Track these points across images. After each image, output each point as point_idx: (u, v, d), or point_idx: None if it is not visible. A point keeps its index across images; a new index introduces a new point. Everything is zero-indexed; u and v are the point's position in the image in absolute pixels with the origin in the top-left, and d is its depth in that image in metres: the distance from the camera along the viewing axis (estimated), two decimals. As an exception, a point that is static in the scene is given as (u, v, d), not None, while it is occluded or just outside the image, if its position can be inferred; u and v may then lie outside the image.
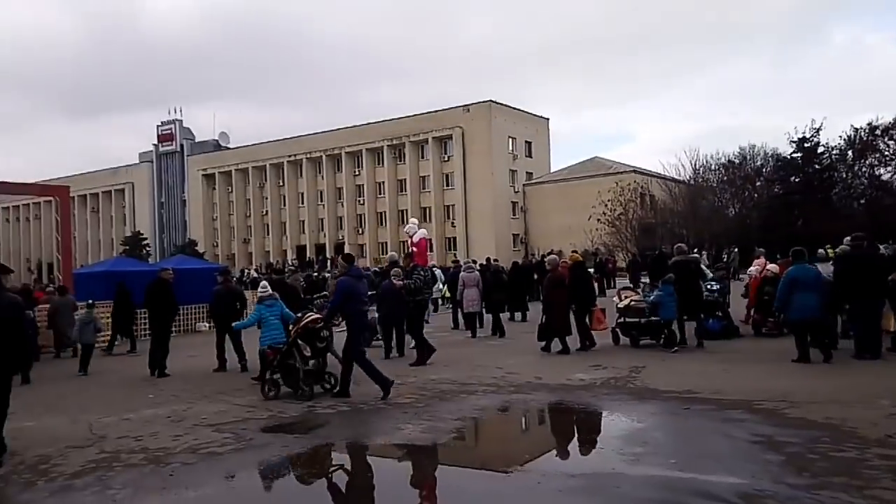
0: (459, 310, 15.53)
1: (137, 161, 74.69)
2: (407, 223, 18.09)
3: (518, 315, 17.30)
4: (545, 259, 16.44)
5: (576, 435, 6.81)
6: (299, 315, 8.95)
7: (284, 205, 64.69)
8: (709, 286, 12.81)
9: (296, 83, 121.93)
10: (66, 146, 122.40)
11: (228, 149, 69.75)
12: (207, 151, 70.11)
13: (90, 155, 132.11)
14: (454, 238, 55.75)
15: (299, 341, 8.44)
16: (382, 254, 52.34)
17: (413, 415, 7.17)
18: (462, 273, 15.12)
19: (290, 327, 8.91)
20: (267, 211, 65.76)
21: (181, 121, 71.62)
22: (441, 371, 9.90)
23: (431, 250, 55.95)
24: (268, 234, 65.66)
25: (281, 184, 64.89)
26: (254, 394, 8.69)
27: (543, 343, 11.40)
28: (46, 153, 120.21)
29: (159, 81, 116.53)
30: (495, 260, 20.07)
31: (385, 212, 58.47)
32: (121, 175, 74.20)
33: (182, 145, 71.07)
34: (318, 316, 8.76)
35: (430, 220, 56.23)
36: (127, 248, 62.09)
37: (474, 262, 19.31)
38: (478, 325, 14.59)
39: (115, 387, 10.29)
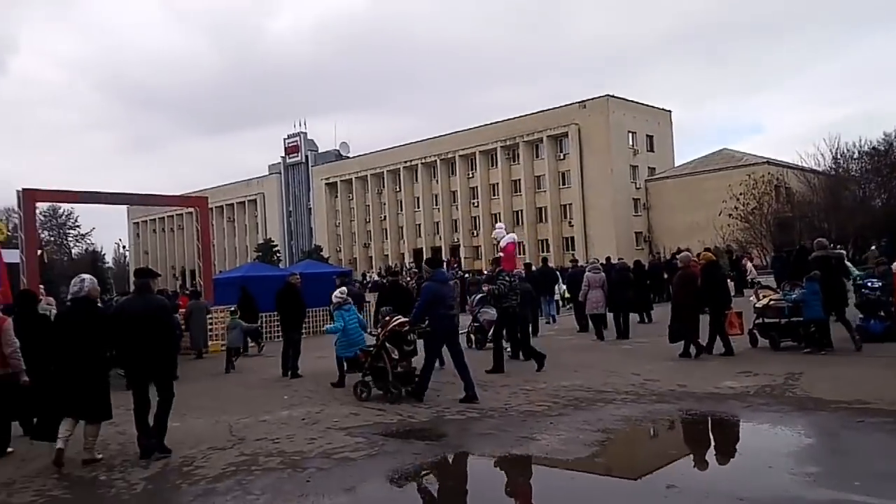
0: (580, 311, 14.97)
1: (267, 173, 79.02)
2: (495, 228, 17.48)
3: (644, 317, 16.45)
4: (676, 257, 15.52)
5: (737, 452, 6.09)
6: (386, 318, 8.96)
7: (401, 210, 66.08)
8: (869, 283, 11.52)
9: (410, 89, 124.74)
10: (204, 161, 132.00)
11: (349, 157, 72.25)
12: (329, 161, 73.00)
13: (226, 169, 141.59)
14: (571, 238, 54.55)
15: (387, 344, 8.54)
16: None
17: (548, 424, 6.77)
18: (587, 273, 14.47)
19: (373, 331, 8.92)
20: (385, 216, 67.44)
21: (305, 133, 75.06)
22: (572, 377, 9.42)
23: (522, 254, 55.16)
24: (386, 239, 67.30)
25: (398, 189, 66.35)
26: (382, 397, 8.62)
27: (681, 348, 10.62)
28: (187, 168, 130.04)
29: (285, 96, 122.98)
30: (620, 259, 19.23)
31: (499, 213, 58.12)
32: (253, 186, 78.77)
33: (307, 156, 74.41)
34: (404, 319, 8.69)
35: (546, 220, 55.40)
36: (260, 254, 65.66)
37: (597, 261, 18.60)
38: (603, 328, 13.96)
39: (251, 388, 10.63)
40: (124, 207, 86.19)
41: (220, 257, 76.95)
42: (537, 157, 56.76)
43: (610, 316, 14.16)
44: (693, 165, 53.72)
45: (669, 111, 58.82)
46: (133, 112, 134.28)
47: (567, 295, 18.66)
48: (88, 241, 72.77)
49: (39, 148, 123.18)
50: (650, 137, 56.03)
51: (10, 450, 6.82)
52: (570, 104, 54.15)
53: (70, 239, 70.82)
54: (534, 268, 18.61)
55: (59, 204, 66.63)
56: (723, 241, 35.33)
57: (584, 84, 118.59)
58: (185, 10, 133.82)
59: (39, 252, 18.27)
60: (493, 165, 59.24)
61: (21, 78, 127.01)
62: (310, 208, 75.00)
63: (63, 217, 68.61)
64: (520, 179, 57.14)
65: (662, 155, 56.79)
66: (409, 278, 23.73)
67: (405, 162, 64.62)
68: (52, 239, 66.26)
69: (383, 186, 67.49)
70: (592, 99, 53.22)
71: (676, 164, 56.79)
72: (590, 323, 14.50)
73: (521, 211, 56.93)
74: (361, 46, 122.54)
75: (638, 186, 54.36)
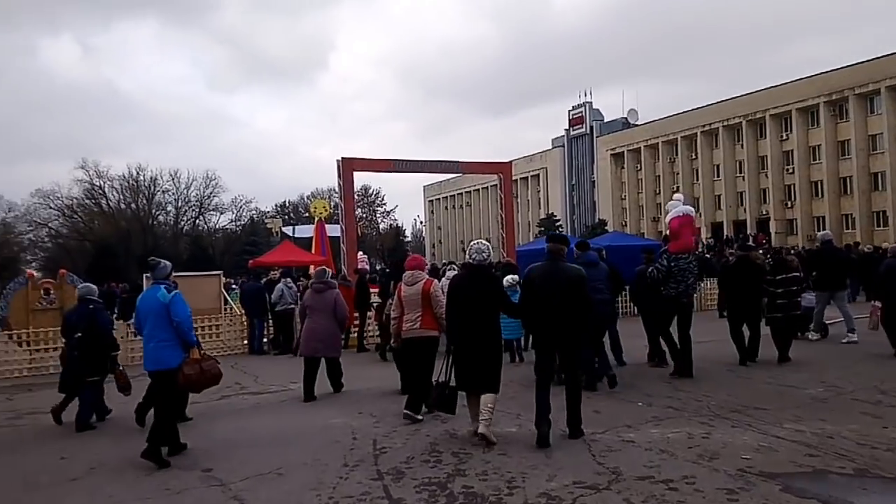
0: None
1: (550, 147, 78.35)
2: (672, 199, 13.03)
3: None
4: None
5: None
6: None
7: (697, 179, 60.22)
8: None
9: (698, 51, 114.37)
10: (490, 142, 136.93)
11: (636, 126, 68.09)
12: (615, 131, 69.59)
13: (511, 148, 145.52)
14: (922, 208, 44.20)
15: None
16: (817, 230, 44.29)
17: None
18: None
19: None
20: (678, 187, 62.01)
21: (591, 103, 72.51)
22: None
23: (850, 228, 45.36)
24: (679, 212, 62.02)
25: (693, 157, 60.56)
26: (804, 420, 6.15)
27: None
28: (475, 149, 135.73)
29: (569, 70, 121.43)
30: None
31: (822, 180, 49.57)
32: (535, 161, 78.76)
33: (591, 127, 71.86)
34: None
35: (885, 188, 45.69)
36: (542, 229, 65.28)
37: None
38: None
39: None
40: (421, 187, 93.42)
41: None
42: (872, 112, 46.87)
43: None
44: None
45: None
46: (427, 99, 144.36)
47: None
48: (392, 218, 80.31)
49: (351, 136, 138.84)
50: None
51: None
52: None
53: (378, 215, 78.41)
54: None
55: (369, 185, 74.92)
56: None
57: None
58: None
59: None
60: (813, 125, 50.52)
61: (339, 74, 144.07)
62: (593, 181, 72.55)
63: (372, 196, 76.37)
64: (849, 140, 47.87)
65: None
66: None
67: (703, 126, 58.52)
68: (364, 216, 73.74)
69: (676, 154, 62.15)
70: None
71: None
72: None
73: (851, 178, 47.78)
74: (644, 10, 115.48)
75: None
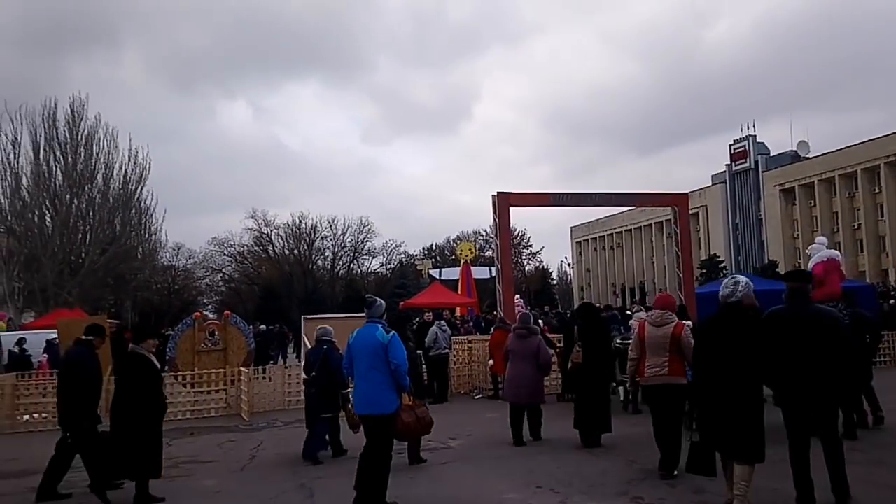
0: None
1: (710, 184, 73.81)
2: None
3: None
4: None
5: None
6: None
7: (882, 215, 53.75)
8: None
9: (873, 80, 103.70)
10: (639, 182, 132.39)
11: (808, 158, 62.34)
12: (784, 164, 64.14)
13: (665, 186, 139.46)
14: None
15: None
16: None
17: None
18: None
19: None
20: (860, 224, 55.81)
21: (754, 136, 67.61)
22: None
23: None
24: (861, 252, 55.59)
25: (876, 190, 54.23)
26: None
27: None
28: (623, 188, 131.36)
29: (724, 107, 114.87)
30: None
31: None
32: (694, 199, 74.03)
33: (756, 161, 66.84)
34: None
35: None
36: (704, 271, 60.95)
37: None
38: None
39: None
40: (568, 228, 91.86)
41: (660, 273, 74.69)
42: None
43: None
44: None
45: None
46: (572, 142, 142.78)
47: None
48: (538, 260, 79.02)
49: (495, 182, 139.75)
50: None
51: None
52: None
53: (524, 257, 77.50)
54: None
55: (515, 226, 74.39)
56: None
57: None
58: (616, 37, 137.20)
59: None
60: None
61: (483, 121, 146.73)
62: (760, 219, 67.02)
63: (518, 237, 75.59)
64: None
65: None
66: None
67: (888, 157, 52.28)
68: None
69: (856, 188, 55.98)
70: None
71: None
72: None
73: None
74: (806, 39, 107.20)
75: None
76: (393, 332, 5.88)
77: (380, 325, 5.90)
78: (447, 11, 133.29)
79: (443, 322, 14.83)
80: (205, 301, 70.89)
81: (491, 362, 12.64)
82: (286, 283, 66.78)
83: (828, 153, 59.40)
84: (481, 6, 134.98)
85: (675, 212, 15.89)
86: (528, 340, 8.88)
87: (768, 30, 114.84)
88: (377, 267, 76.70)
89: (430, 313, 15.48)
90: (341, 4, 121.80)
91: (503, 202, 14.34)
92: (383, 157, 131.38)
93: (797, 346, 5.06)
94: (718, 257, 64.46)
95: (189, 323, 14.61)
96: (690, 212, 72.54)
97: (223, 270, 71.44)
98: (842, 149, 57.59)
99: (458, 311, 26.12)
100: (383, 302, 6.17)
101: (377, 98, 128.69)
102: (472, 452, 8.35)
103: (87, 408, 6.72)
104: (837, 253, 9.54)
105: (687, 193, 19.09)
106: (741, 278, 5.34)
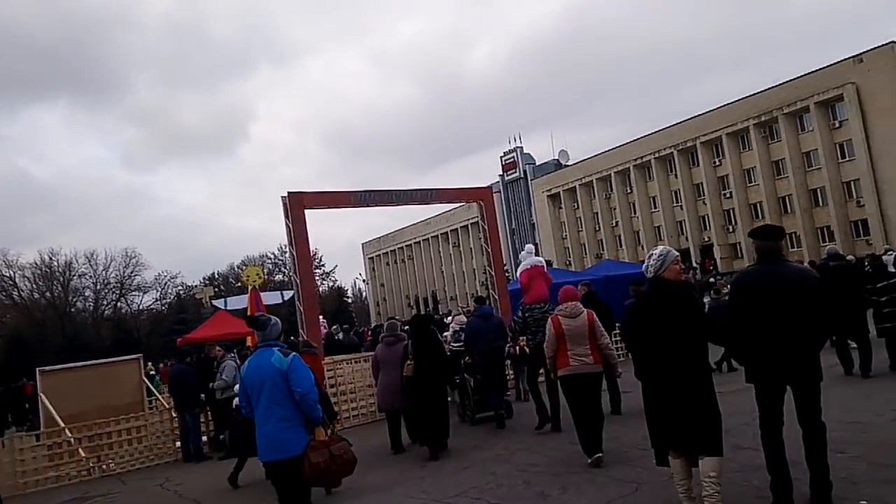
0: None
1: (485, 193, 77.54)
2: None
3: None
4: None
5: None
6: None
7: (635, 212, 60.23)
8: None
9: (623, 94, 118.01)
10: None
11: (568, 166, 68.14)
12: (549, 172, 69.45)
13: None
14: (864, 221, 44.75)
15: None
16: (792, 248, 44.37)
17: None
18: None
19: None
20: (617, 221, 62.02)
21: (521, 147, 72.48)
22: None
23: (795, 247, 45.29)
24: (621, 246, 61.72)
25: (629, 190, 60.69)
26: None
27: None
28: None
29: (494, 120, 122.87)
30: None
31: (761, 202, 49.93)
32: (474, 209, 77.28)
33: (525, 170, 71.67)
34: None
35: (826, 203, 46.25)
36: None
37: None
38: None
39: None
40: (359, 244, 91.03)
41: (450, 282, 76.87)
42: (803, 130, 47.79)
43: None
44: None
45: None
46: (355, 160, 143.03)
47: None
48: (332, 279, 77.04)
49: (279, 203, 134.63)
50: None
51: None
52: (842, 61, 44.64)
53: (317, 277, 75.00)
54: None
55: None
56: None
57: (855, 37, 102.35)
58: (387, 58, 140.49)
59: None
60: (745, 148, 51.20)
61: (262, 142, 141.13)
62: (533, 223, 71.92)
63: (306, 258, 73.11)
64: (783, 159, 48.56)
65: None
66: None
67: (635, 160, 58.78)
68: (299, 279, 70.28)
69: (612, 190, 62.17)
70: (872, 50, 43.28)
71: None
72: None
73: (790, 196, 48.30)
74: (563, 60, 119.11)
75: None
76: (293, 353, 4.88)
77: (276, 349, 4.84)
78: (210, 29, 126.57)
79: (235, 355, 12.66)
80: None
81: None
82: (37, 330, 57.41)
83: (584, 160, 65.41)
84: (243, 24, 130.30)
85: (480, 207, 15.31)
86: (395, 347, 8.95)
87: (524, 50, 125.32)
88: (151, 303, 69.47)
89: (219, 347, 13.14)
90: (85, 19, 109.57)
91: (296, 203, 12.49)
92: (150, 184, 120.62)
93: (772, 307, 4.41)
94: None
95: None
96: (471, 221, 74.36)
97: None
98: (595, 155, 63.76)
99: (248, 342, 23.56)
100: (278, 320, 5.05)
101: (138, 121, 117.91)
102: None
103: None
104: (541, 259, 10.59)
105: (491, 187, 18.92)
106: (655, 250, 4.68)
